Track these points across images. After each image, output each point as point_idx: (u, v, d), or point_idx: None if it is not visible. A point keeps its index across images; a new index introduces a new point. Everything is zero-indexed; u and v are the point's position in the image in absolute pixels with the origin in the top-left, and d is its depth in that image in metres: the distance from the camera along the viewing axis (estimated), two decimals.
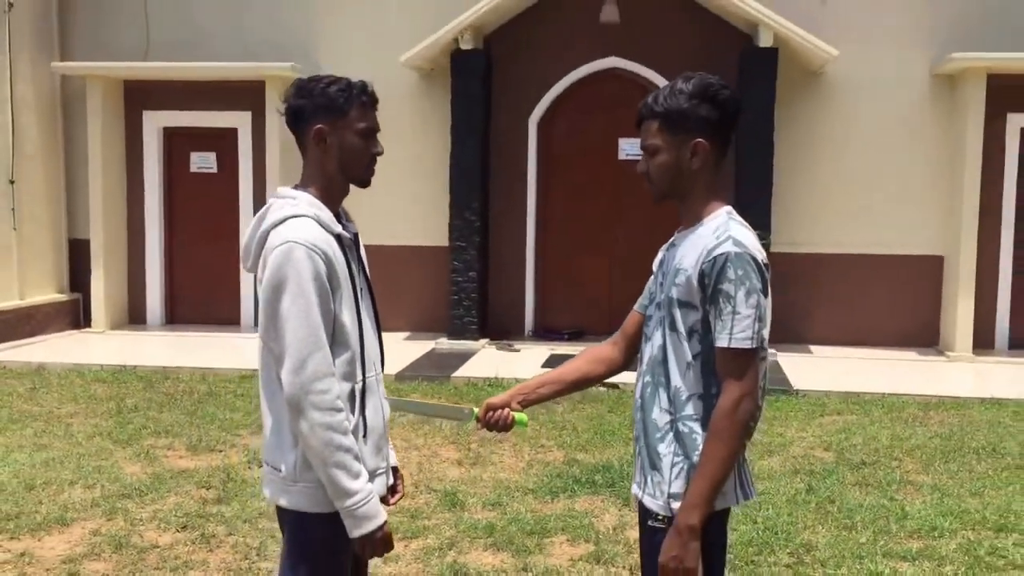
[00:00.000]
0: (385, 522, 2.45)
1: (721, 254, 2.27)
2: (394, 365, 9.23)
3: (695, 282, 2.31)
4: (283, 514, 2.55)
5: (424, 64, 10.74)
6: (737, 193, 10.26)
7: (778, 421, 7.31)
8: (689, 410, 2.36)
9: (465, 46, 10.33)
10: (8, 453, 6.30)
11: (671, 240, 2.53)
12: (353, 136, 2.50)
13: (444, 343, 10.31)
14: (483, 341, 10.49)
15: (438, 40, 10.22)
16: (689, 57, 10.50)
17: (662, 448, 2.39)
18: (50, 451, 6.35)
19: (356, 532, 2.42)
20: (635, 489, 2.52)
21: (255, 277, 2.67)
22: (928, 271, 10.71)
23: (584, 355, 2.75)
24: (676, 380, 2.37)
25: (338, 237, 2.49)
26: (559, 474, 5.94)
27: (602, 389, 8.37)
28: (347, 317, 2.46)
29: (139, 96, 11.48)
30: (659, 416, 2.40)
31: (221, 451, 6.44)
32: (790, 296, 10.32)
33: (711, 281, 2.28)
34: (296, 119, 2.52)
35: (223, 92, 11.26)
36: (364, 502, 2.41)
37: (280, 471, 2.48)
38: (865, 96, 10.65)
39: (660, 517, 2.38)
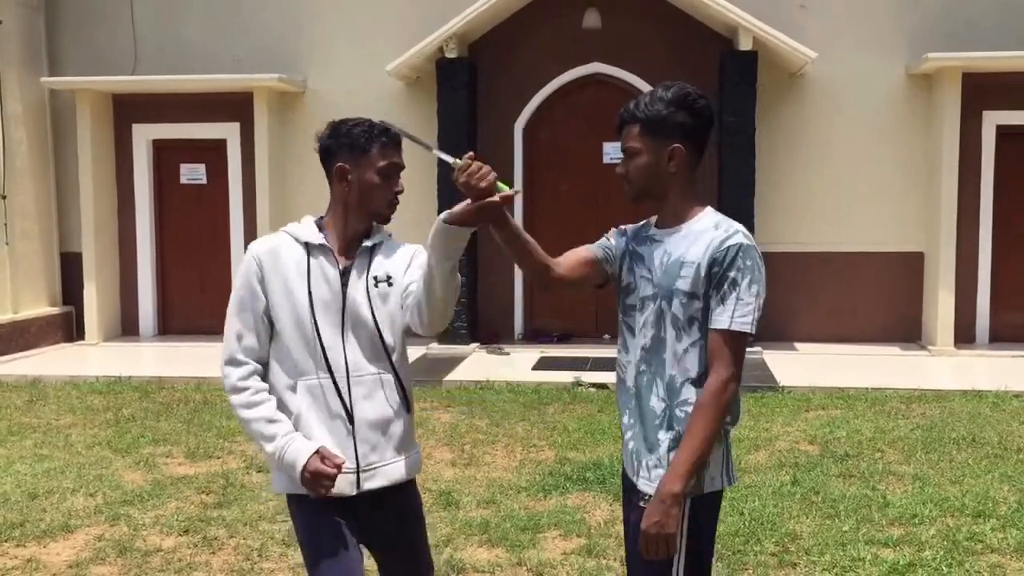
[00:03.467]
0: (307, 461, 2.61)
1: (735, 244, 2.43)
2: None
3: (703, 272, 2.44)
4: None
5: (410, 73, 10.89)
6: (720, 193, 10.45)
7: (764, 417, 7.47)
8: (684, 395, 2.48)
9: (450, 55, 10.48)
10: (9, 464, 6.40)
11: (644, 233, 2.63)
12: (373, 174, 2.69)
13: (435, 348, 10.44)
14: (473, 345, 10.63)
15: (423, 49, 10.38)
16: (671, 61, 10.72)
17: (661, 434, 2.51)
18: (51, 461, 6.46)
19: (291, 476, 2.67)
20: (627, 472, 2.63)
21: None
22: (909, 268, 10.91)
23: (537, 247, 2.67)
24: (671, 368, 2.50)
25: (306, 245, 2.73)
26: (551, 472, 6.08)
27: (592, 390, 8.53)
28: (284, 317, 2.70)
29: (128, 109, 11.59)
30: (656, 404, 2.52)
31: (219, 457, 6.56)
32: (774, 295, 10.43)
33: (720, 268, 2.42)
34: (325, 157, 2.74)
35: (211, 104, 11.39)
36: (282, 452, 2.65)
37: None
38: (843, 97, 10.85)
39: (649, 498, 2.48)
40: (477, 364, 9.78)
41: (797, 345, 10.70)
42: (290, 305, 2.70)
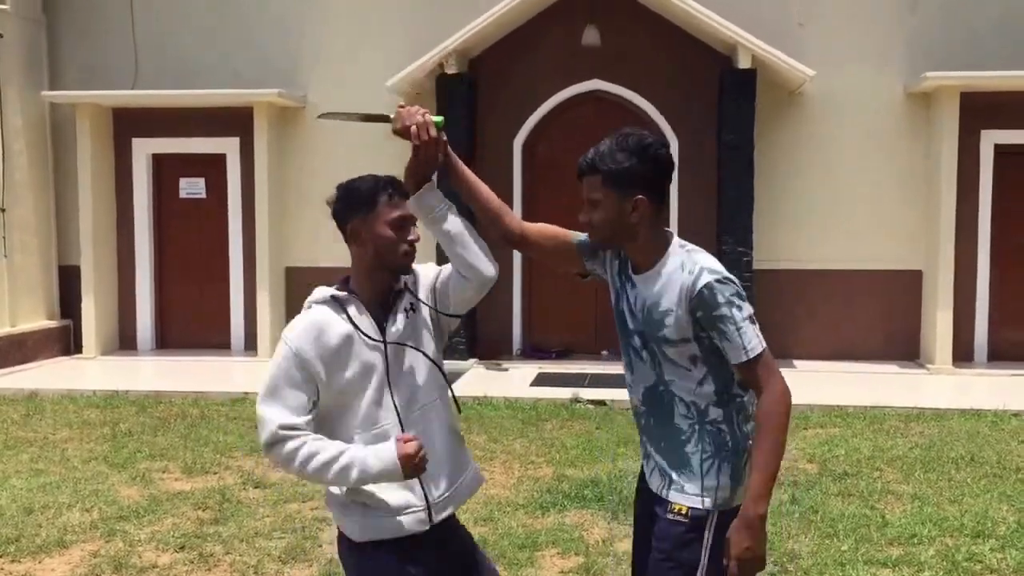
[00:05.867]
0: (397, 454, 2.53)
1: (704, 285, 2.47)
2: None
3: (684, 318, 2.50)
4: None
5: (410, 89, 10.91)
6: (719, 211, 10.47)
7: None
8: (712, 415, 2.55)
9: (450, 71, 10.51)
10: (5, 479, 6.38)
11: (625, 270, 2.68)
12: (385, 228, 2.66)
13: None
14: (472, 361, 10.62)
15: (423, 65, 10.41)
16: (669, 79, 10.76)
17: (689, 448, 2.57)
18: (47, 476, 6.43)
19: (398, 472, 2.56)
20: (653, 489, 2.66)
21: None
22: (907, 286, 10.91)
23: (493, 197, 2.81)
24: (689, 396, 2.56)
25: (344, 312, 2.67)
26: (549, 489, 6.06)
27: (590, 406, 8.51)
28: (342, 385, 2.64)
29: (128, 123, 11.61)
30: (680, 422, 2.58)
31: (216, 473, 6.54)
32: (773, 312, 10.48)
33: (706, 312, 2.47)
34: (338, 221, 2.72)
35: (211, 119, 11.40)
36: (368, 468, 2.55)
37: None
38: (842, 115, 10.88)
39: (684, 512, 2.54)
40: (476, 380, 9.76)
41: (796, 362, 10.69)
42: (350, 373, 2.64)
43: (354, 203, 2.68)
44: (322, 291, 2.73)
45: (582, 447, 7.07)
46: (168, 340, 11.90)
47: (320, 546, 5.11)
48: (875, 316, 10.97)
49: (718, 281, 2.47)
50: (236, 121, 11.27)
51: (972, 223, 10.64)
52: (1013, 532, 5.23)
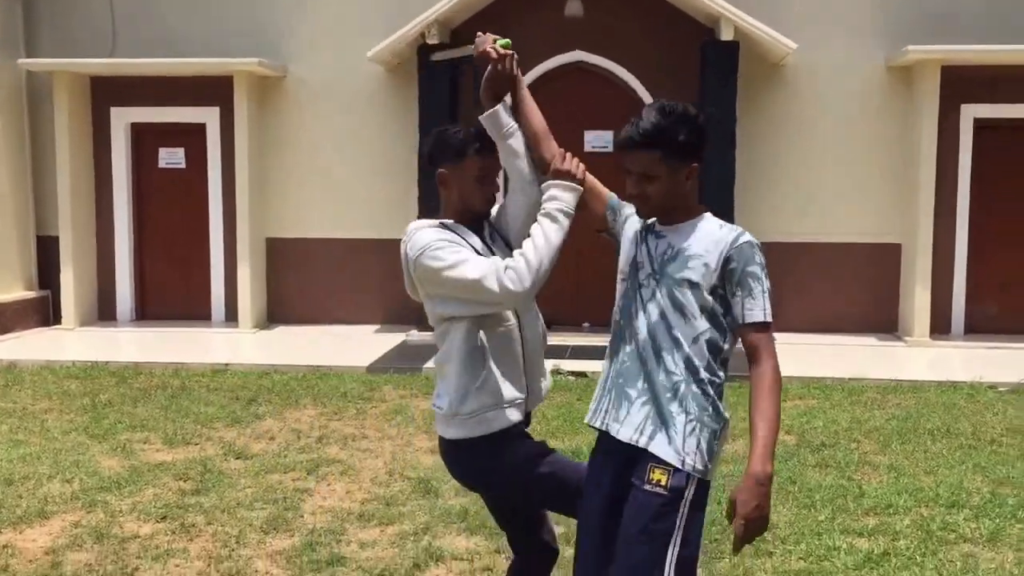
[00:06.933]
0: (559, 178, 2.92)
1: (747, 241, 2.61)
2: (365, 358, 9.35)
3: (714, 266, 2.59)
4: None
5: (391, 59, 10.83)
6: (701, 184, 10.46)
7: (742, 406, 7.46)
8: (700, 375, 2.62)
9: (432, 41, 10.42)
10: None
11: (651, 228, 2.75)
12: (470, 178, 2.99)
13: (415, 335, 10.42)
14: None
15: (405, 35, 10.32)
16: (652, 51, 10.73)
17: (673, 408, 2.61)
18: (27, 447, 6.41)
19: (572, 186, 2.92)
20: (630, 433, 2.66)
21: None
22: (886, 259, 10.99)
23: (545, 132, 3.07)
24: (685, 349, 2.62)
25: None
26: None
27: (571, 378, 8.54)
28: None
29: (106, 92, 11.47)
30: (666, 378, 2.62)
31: (197, 444, 6.54)
32: None
33: (740, 264, 2.59)
34: (428, 164, 3.06)
35: (191, 88, 11.29)
36: (561, 205, 2.88)
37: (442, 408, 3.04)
38: (824, 88, 10.90)
39: (664, 483, 2.57)
40: None
41: (775, 335, 10.73)
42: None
43: (446, 151, 2.99)
44: (424, 221, 3.01)
45: (563, 418, 7.11)
46: (148, 311, 11.84)
47: (302, 516, 5.13)
48: (854, 289, 11.04)
49: (758, 246, 2.63)
50: (216, 91, 11.16)
51: (951, 197, 10.71)
52: (987, 502, 5.32)
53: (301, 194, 11.50)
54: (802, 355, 9.69)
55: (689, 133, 2.61)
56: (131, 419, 7.15)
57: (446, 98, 10.59)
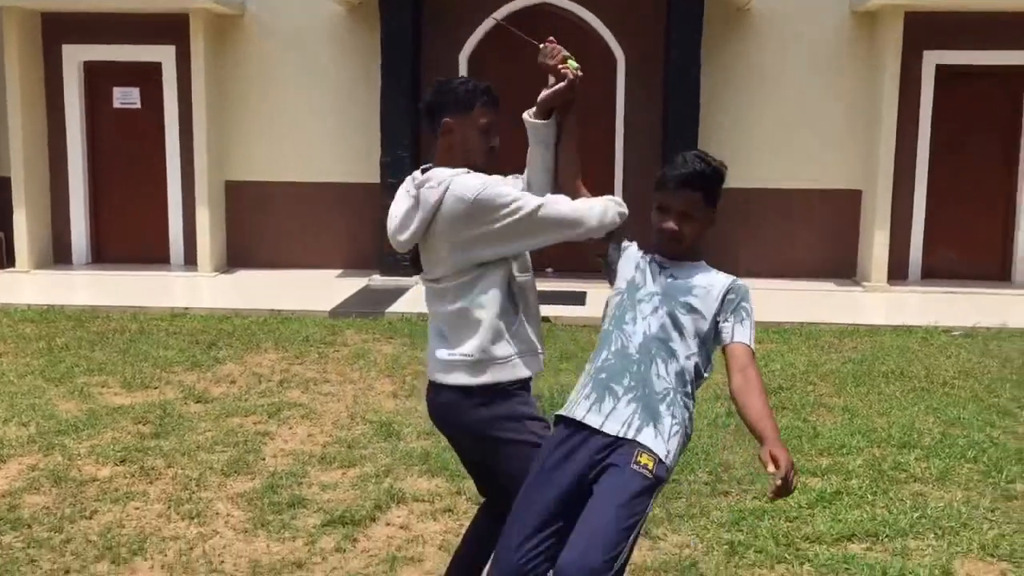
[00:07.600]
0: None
1: (741, 284, 2.94)
2: (328, 302, 9.30)
3: (715, 297, 2.85)
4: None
5: None
6: (664, 130, 10.45)
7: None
8: (686, 388, 2.84)
9: None
10: None
11: (653, 260, 2.96)
12: (474, 130, 2.99)
13: (377, 280, 10.37)
14: (416, 277, 10.57)
15: None
16: None
17: (662, 408, 2.77)
18: None
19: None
20: (617, 427, 2.73)
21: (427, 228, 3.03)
22: (847, 205, 11.08)
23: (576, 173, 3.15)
24: (680, 362, 2.82)
25: None
26: None
27: None
28: None
29: (58, 29, 11.17)
30: (658, 382, 2.78)
31: (156, 388, 6.49)
32: (715, 231, 10.59)
33: (737, 298, 2.88)
34: (430, 113, 3.02)
35: (146, 25, 11.02)
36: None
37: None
38: (788, 33, 10.87)
39: (651, 467, 2.66)
40: (419, 296, 9.72)
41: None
42: None
43: (453, 101, 2.97)
44: (448, 169, 2.93)
45: None
46: (104, 254, 11.67)
47: (263, 459, 5.13)
48: (814, 235, 11.14)
49: (747, 288, 2.95)
50: (171, 28, 10.90)
51: (912, 143, 10.79)
52: (937, 443, 5.44)
53: (261, 136, 11.32)
54: (762, 300, 9.68)
55: (721, 183, 2.90)
56: (88, 363, 7.08)
57: (409, 39, 10.43)
